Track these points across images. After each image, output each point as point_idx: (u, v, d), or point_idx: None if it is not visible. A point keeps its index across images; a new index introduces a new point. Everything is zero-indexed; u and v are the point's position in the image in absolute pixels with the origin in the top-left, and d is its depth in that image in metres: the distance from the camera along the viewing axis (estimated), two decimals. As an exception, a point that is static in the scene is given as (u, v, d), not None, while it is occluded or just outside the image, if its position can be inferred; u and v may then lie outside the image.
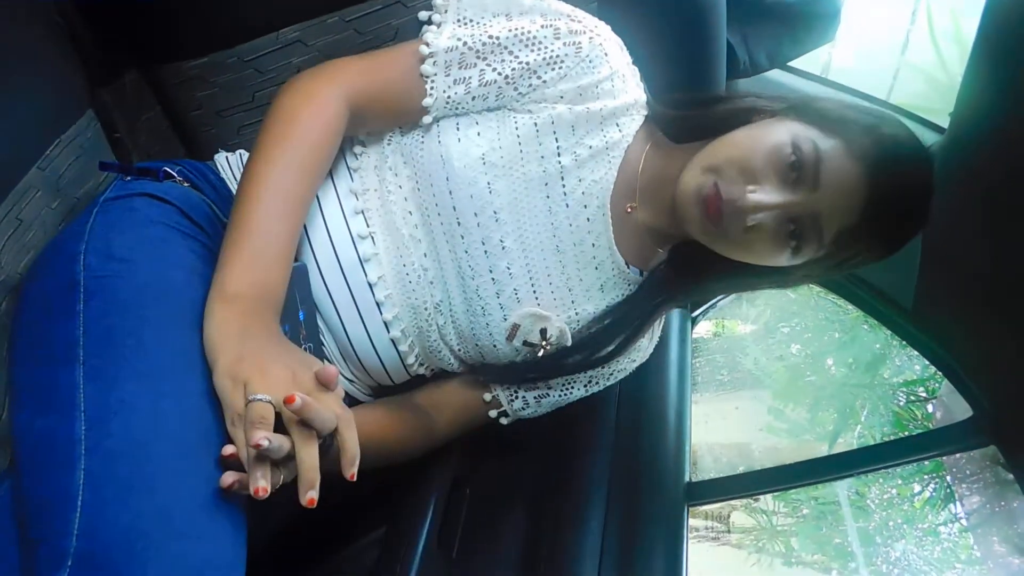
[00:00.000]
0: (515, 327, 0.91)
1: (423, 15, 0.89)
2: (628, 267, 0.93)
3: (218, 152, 0.98)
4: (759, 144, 0.79)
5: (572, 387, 1.00)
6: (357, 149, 0.92)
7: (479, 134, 0.86)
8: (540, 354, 0.93)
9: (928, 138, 1.12)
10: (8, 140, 0.84)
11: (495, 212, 0.86)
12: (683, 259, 0.94)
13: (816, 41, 1.28)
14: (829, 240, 0.79)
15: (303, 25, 1.04)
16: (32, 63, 0.89)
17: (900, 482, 3.46)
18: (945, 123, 1.07)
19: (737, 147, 0.81)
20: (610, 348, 0.95)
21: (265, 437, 0.59)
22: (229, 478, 0.62)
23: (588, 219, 0.89)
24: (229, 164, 0.95)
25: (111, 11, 0.99)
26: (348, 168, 0.91)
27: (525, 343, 0.92)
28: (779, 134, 0.79)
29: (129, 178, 0.88)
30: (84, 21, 0.98)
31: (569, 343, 0.93)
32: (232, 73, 1.07)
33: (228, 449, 0.63)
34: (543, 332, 0.92)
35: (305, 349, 0.87)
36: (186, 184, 0.89)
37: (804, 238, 0.80)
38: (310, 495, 0.61)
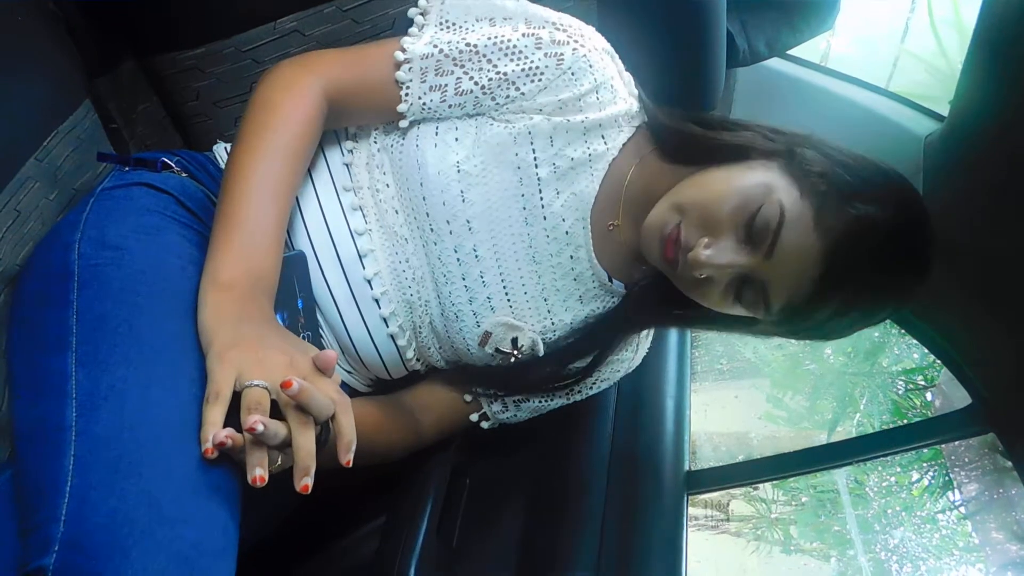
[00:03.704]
0: (487, 335, 0.90)
1: (412, 12, 0.88)
2: (611, 281, 0.92)
3: (217, 143, 0.98)
4: (729, 193, 0.77)
5: (553, 395, 1.00)
6: (349, 145, 0.91)
7: (457, 140, 0.84)
8: (512, 362, 0.92)
9: (928, 126, 1.12)
10: (5, 131, 0.83)
11: (468, 221, 0.85)
12: (664, 282, 0.90)
13: (815, 29, 1.28)
14: (776, 309, 0.78)
15: (300, 15, 1.03)
16: (28, 53, 0.89)
17: (899, 470, 3.48)
18: (945, 111, 1.07)
19: (707, 192, 0.79)
20: (586, 362, 0.95)
21: (259, 421, 0.59)
22: (216, 439, 0.60)
23: (567, 232, 0.88)
24: (228, 154, 0.95)
25: (107, 0, 0.99)
26: (344, 164, 0.91)
27: (497, 351, 0.92)
28: (754, 185, 0.76)
29: (127, 168, 0.88)
30: (80, 10, 0.97)
31: (541, 353, 0.93)
32: (229, 63, 1.06)
33: (221, 435, 0.60)
34: (514, 341, 0.91)
35: (304, 337, 0.87)
36: (184, 174, 0.89)
37: (751, 300, 0.78)
38: (305, 481, 0.61)
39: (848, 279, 0.74)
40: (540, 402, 1.00)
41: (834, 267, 0.73)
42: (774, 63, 1.34)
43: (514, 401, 0.99)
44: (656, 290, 0.92)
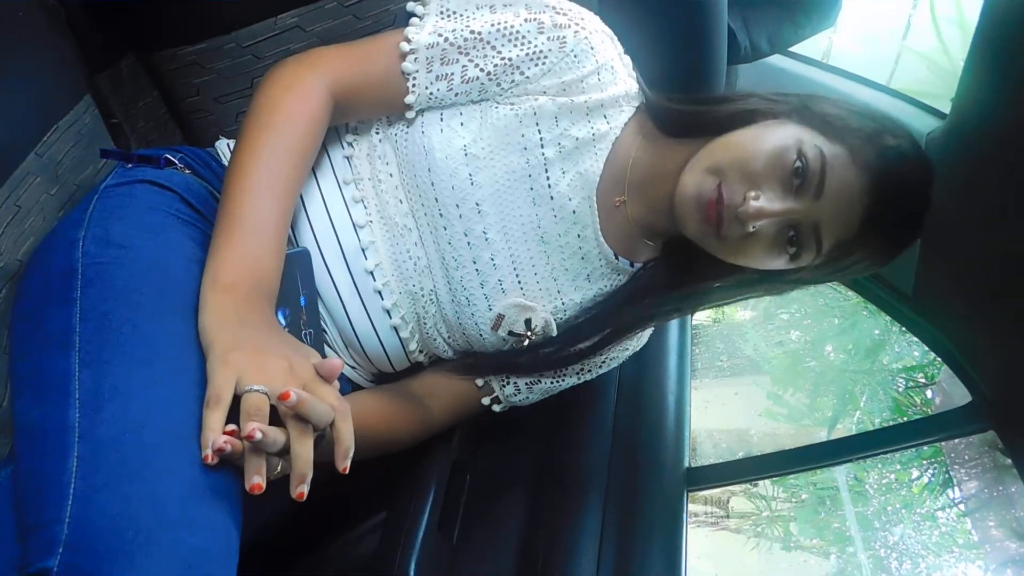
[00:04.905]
0: (500, 317, 0.91)
1: (410, 6, 0.88)
2: (617, 258, 0.93)
3: (219, 139, 0.98)
4: (762, 147, 0.78)
5: (564, 374, 1.00)
6: (350, 138, 0.92)
7: (462, 124, 0.85)
8: (526, 344, 0.93)
9: (929, 123, 1.12)
10: (5, 126, 0.83)
11: (477, 204, 0.86)
12: (676, 256, 0.93)
13: (817, 26, 1.28)
14: (827, 249, 0.79)
15: (301, 10, 1.03)
16: (28, 48, 0.89)
17: (899, 467, 3.48)
18: (946, 108, 1.06)
19: (740, 149, 0.80)
20: (596, 340, 0.95)
21: (258, 429, 0.59)
22: (215, 446, 0.60)
23: (574, 211, 0.88)
24: (230, 151, 0.95)
25: (108, -4, 0.99)
26: (344, 157, 0.91)
27: (511, 333, 0.92)
28: (783, 138, 0.79)
29: (130, 165, 0.88)
30: (81, 6, 0.97)
31: (554, 333, 0.93)
32: (230, 59, 1.06)
33: (219, 441, 0.60)
34: (528, 322, 0.92)
35: (305, 335, 0.87)
36: (187, 171, 0.89)
37: (803, 245, 0.80)
38: (301, 489, 0.61)
39: (892, 208, 0.78)
40: (552, 382, 1.00)
41: (879, 198, 0.77)
42: (776, 60, 1.34)
43: (527, 383, 0.99)
44: (666, 266, 0.93)
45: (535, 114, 0.85)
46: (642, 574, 1.04)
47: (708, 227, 0.80)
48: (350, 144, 0.91)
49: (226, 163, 0.93)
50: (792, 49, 1.35)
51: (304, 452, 0.61)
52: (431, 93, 0.85)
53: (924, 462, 3.39)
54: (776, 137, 0.79)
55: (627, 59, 0.91)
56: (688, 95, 0.91)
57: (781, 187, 0.78)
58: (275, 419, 0.62)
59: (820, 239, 0.79)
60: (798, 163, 0.77)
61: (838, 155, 0.77)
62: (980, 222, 0.98)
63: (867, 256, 0.82)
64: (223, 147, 0.96)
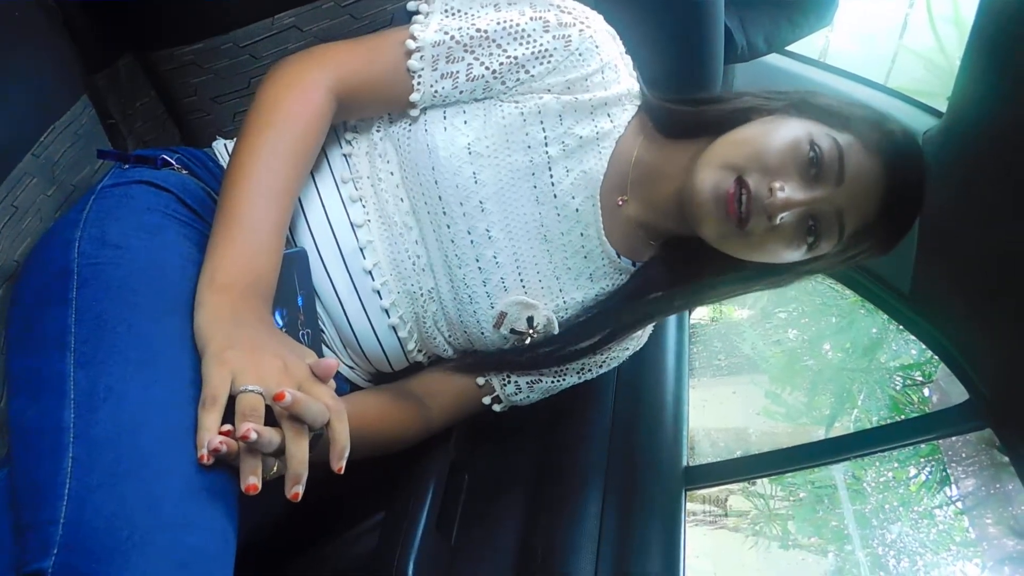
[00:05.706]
0: (502, 315, 0.91)
1: (412, 5, 0.88)
2: (619, 258, 0.93)
3: (216, 139, 0.97)
4: (774, 141, 0.79)
5: (564, 374, 1.00)
6: (349, 136, 0.92)
7: (466, 122, 0.85)
8: (527, 342, 0.93)
9: (926, 122, 1.12)
10: (2, 127, 0.83)
11: (481, 202, 0.86)
12: (676, 255, 0.93)
13: (813, 25, 1.28)
14: (848, 234, 0.80)
15: (298, 10, 1.03)
16: (26, 48, 0.89)
17: (896, 465, 3.48)
18: (943, 107, 1.07)
19: (753, 144, 0.80)
20: (597, 339, 0.95)
21: (252, 429, 0.59)
22: (210, 446, 0.60)
23: (577, 209, 0.88)
24: (227, 151, 0.95)
25: (105, -4, 0.99)
26: (343, 155, 0.91)
27: (512, 331, 0.92)
28: (793, 130, 0.79)
29: (127, 166, 0.87)
30: (78, 6, 0.97)
31: (556, 331, 0.93)
32: (227, 59, 1.06)
33: (215, 442, 0.60)
34: (530, 320, 0.92)
35: (303, 335, 0.87)
36: (184, 172, 0.89)
37: (823, 234, 0.80)
38: (296, 490, 0.61)
39: (907, 188, 0.80)
40: (553, 382, 1.00)
41: (893, 179, 0.79)
42: (772, 59, 1.35)
43: (528, 382, 0.99)
44: (666, 263, 0.93)
45: (539, 112, 0.85)
46: (641, 573, 1.04)
47: (729, 223, 0.79)
48: (349, 142, 0.91)
49: (223, 164, 0.93)
50: (789, 48, 1.35)
51: (299, 452, 0.61)
52: (436, 91, 0.85)
53: (922, 460, 3.39)
54: (785, 130, 0.80)
55: (628, 58, 0.92)
56: (684, 96, 0.91)
57: (800, 178, 0.78)
58: (271, 419, 0.62)
59: (843, 225, 0.80)
60: (812, 153, 0.78)
61: (850, 142, 0.79)
62: (977, 221, 0.98)
63: (876, 243, 0.83)
64: (220, 147, 0.96)
